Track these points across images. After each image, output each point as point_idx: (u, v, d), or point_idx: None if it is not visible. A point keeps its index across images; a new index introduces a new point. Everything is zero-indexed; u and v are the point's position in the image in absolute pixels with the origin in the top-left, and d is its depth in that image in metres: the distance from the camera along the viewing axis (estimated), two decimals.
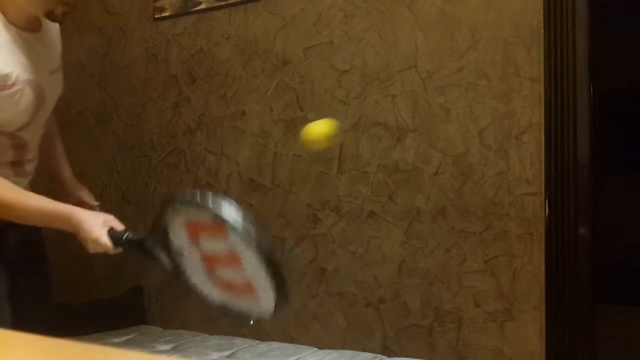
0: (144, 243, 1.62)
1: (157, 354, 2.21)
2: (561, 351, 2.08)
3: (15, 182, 1.81)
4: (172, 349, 2.46)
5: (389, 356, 2.28)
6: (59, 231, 1.71)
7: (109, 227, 1.68)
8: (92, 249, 1.70)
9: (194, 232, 1.47)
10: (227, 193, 2.75)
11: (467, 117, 2.22)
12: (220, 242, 1.42)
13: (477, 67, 2.20)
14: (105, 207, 3.17)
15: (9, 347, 0.92)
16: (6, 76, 1.65)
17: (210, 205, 1.41)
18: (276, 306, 1.42)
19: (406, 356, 2.29)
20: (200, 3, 2.80)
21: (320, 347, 2.41)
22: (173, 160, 2.91)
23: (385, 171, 2.38)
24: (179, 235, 1.49)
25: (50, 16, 1.73)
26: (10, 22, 1.66)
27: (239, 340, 2.53)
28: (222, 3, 2.74)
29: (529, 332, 2.13)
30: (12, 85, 1.67)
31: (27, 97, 1.71)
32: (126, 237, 1.65)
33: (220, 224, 1.39)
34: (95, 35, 3.14)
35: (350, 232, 2.45)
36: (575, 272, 2.07)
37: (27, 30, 1.73)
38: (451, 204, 2.25)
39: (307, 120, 2.52)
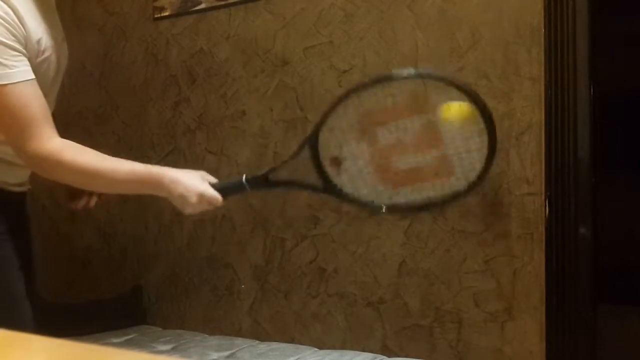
0: (267, 177, 1.55)
1: (157, 354, 2.20)
2: (561, 351, 2.08)
3: (20, 166, 1.79)
4: (172, 349, 2.46)
5: (389, 356, 2.28)
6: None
7: (207, 181, 1.61)
8: (194, 206, 1.60)
9: (370, 125, 1.37)
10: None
11: None
12: (411, 122, 1.33)
13: (477, 67, 2.20)
14: (105, 207, 3.18)
15: (9, 347, 0.92)
16: (39, 41, 1.62)
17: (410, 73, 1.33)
18: (482, 172, 1.35)
19: (406, 356, 2.29)
20: (200, 3, 2.79)
21: (320, 348, 2.41)
22: (173, 160, 2.91)
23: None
24: (340, 139, 1.41)
25: None
26: None
27: (239, 341, 2.53)
28: (222, 3, 2.74)
29: (529, 332, 2.13)
30: (44, 51, 1.65)
31: (51, 64, 1.69)
32: (246, 178, 1.56)
33: (418, 97, 1.31)
34: (95, 35, 3.14)
35: (350, 232, 2.45)
36: (575, 272, 2.07)
37: None
38: (451, 204, 2.25)
39: (307, 120, 2.54)
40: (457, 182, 1.37)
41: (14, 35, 1.55)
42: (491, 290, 2.19)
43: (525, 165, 2.13)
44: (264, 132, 2.65)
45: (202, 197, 1.59)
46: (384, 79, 1.37)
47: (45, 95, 1.75)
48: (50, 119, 1.65)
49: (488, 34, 2.18)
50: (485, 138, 1.34)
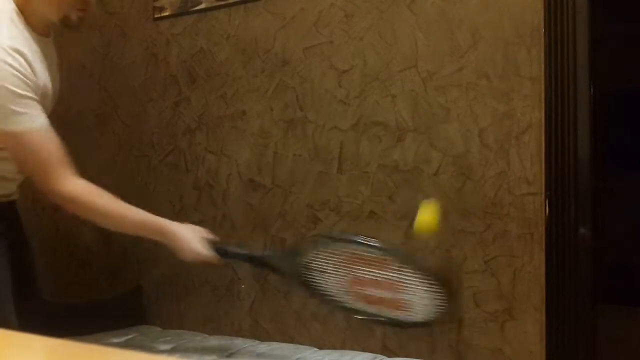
0: (267, 259, 1.83)
1: (157, 354, 2.21)
2: (561, 351, 2.08)
3: (16, 179, 1.84)
4: (172, 349, 2.46)
5: (389, 356, 2.28)
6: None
7: (204, 239, 1.85)
8: (186, 257, 1.85)
9: (354, 262, 1.64)
10: (226, 193, 2.75)
11: (467, 117, 2.22)
12: (380, 272, 1.61)
13: (477, 67, 2.20)
14: None
15: (9, 347, 0.92)
16: (45, 84, 1.74)
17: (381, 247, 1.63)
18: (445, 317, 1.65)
19: (406, 356, 2.29)
20: (200, 3, 2.80)
21: (321, 347, 2.41)
22: (173, 160, 2.91)
23: (385, 171, 2.38)
24: (329, 260, 1.68)
25: (66, 21, 1.77)
26: (33, 28, 1.72)
27: (238, 341, 2.53)
28: (222, 3, 2.74)
29: (529, 332, 2.13)
30: (44, 87, 1.75)
31: (47, 99, 1.79)
32: (245, 254, 1.83)
33: (388, 262, 1.61)
34: (94, 35, 3.14)
35: (350, 232, 2.45)
36: (575, 272, 2.07)
37: (44, 35, 1.78)
38: (451, 204, 2.25)
39: (307, 120, 2.54)
40: (410, 316, 1.65)
41: (27, 84, 1.65)
42: (491, 290, 2.19)
43: (525, 165, 2.13)
44: (264, 132, 2.65)
45: (198, 257, 1.84)
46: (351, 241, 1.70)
47: None
48: (64, 160, 1.78)
49: (488, 33, 2.18)
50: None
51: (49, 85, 1.78)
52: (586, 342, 2.08)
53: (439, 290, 1.56)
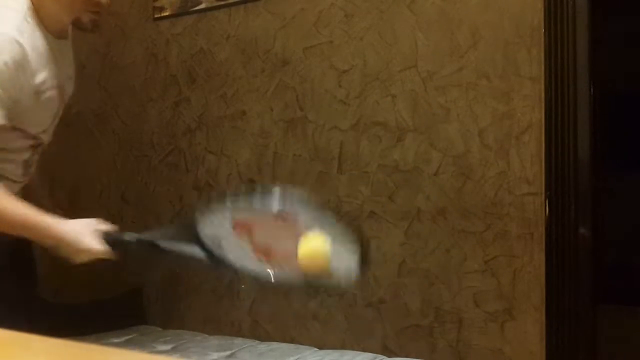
0: (156, 242, 1.58)
1: (157, 354, 2.20)
2: (561, 351, 2.08)
3: (20, 182, 1.85)
4: (172, 349, 2.46)
5: (389, 356, 2.28)
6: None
7: (98, 233, 1.60)
8: (78, 259, 1.61)
9: (245, 229, 1.46)
10: (226, 193, 2.75)
11: (468, 117, 2.22)
12: (284, 231, 1.43)
13: (477, 67, 2.20)
14: (104, 208, 3.19)
15: (9, 347, 0.92)
16: (43, 82, 1.70)
17: (272, 205, 1.42)
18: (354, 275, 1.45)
19: (406, 356, 2.29)
20: (200, 3, 2.79)
21: (321, 348, 2.41)
22: (173, 160, 2.91)
23: (385, 171, 2.38)
24: (219, 233, 1.48)
25: (78, 24, 1.78)
26: (47, 29, 1.72)
27: (238, 341, 2.53)
28: (222, 3, 2.74)
29: (529, 332, 2.13)
30: (45, 90, 1.73)
31: (54, 101, 1.78)
32: (130, 238, 1.59)
33: (286, 218, 1.41)
34: (95, 35, 3.14)
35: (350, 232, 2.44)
36: (575, 272, 2.07)
37: (59, 37, 1.80)
38: (451, 204, 2.25)
39: (307, 120, 2.54)
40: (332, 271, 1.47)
41: (10, 84, 1.58)
42: (491, 290, 2.19)
43: (525, 165, 2.13)
44: (264, 132, 2.65)
45: (85, 254, 1.59)
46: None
47: (47, 127, 1.83)
48: None
49: (488, 33, 2.18)
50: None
51: (54, 82, 1.77)
52: (586, 342, 2.08)
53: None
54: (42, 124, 1.79)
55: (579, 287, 2.07)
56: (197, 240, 1.50)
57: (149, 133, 2.98)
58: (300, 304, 2.56)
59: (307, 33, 2.54)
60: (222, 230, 1.48)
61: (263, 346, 2.45)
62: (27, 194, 2.03)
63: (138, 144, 3.01)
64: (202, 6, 2.79)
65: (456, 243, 2.24)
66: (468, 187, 2.22)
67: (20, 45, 1.64)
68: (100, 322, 2.71)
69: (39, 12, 1.70)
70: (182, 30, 2.87)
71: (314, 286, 1.40)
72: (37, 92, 1.70)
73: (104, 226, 1.62)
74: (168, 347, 2.48)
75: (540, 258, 2.10)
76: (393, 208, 2.36)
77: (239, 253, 1.48)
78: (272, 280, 1.46)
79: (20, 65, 1.63)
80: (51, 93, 1.76)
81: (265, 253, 1.46)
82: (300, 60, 2.56)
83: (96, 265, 1.66)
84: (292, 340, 2.55)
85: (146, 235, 1.59)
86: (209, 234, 1.49)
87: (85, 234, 1.60)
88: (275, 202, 1.42)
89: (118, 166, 3.07)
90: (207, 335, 2.64)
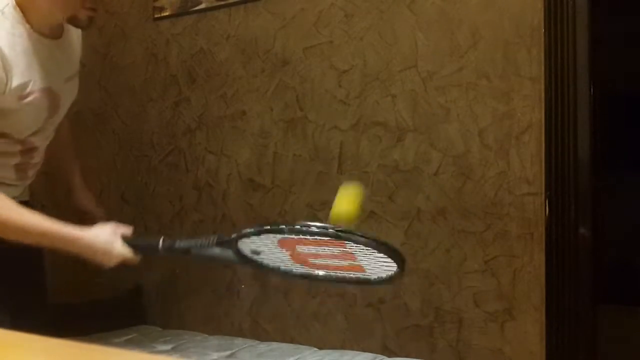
0: (190, 250, 1.60)
1: (157, 354, 2.20)
2: (561, 351, 2.08)
3: (14, 185, 1.80)
4: (172, 349, 2.46)
5: (389, 356, 2.28)
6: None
7: (120, 236, 1.64)
8: (110, 264, 1.64)
9: (288, 245, 1.48)
10: (227, 193, 2.75)
11: (468, 117, 2.22)
12: (327, 248, 1.46)
13: (477, 67, 2.20)
14: (104, 208, 3.17)
15: (9, 347, 0.92)
16: (23, 85, 1.61)
17: (321, 230, 1.42)
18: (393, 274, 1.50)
19: (406, 356, 2.28)
20: (200, 3, 2.79)
21: (321, 348, 2.41)
22: (173, 160, 2.91)
23: (385, 171, 2.38)
24: (261, 245, 1.50)
25: (74, 21, 1.69)
26: (34, 29, 1.63)
27: (238, 341, 2.53)
28: (222, 3, 2.74)
29: (529, 332, 2.12)
30: (29, 94, 1.64)
31: (41, 105, 1.69)
32: (162, 245, 1.61)
33: (331, 241, 1.43)
34: (95, 35, 3.14)
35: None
36: (575, 272, 2.07)
37: (50, 37, 1.69)
38: (451, 204, 2.25)
39: (307, 120, 2.54)
40: (368, 274, 1.53)
41: None
42: (491, 290, 2.19)
43: (525, 165, 2.13)
44: (264, 132, 2.65)
45: (115, 259, 1.63)
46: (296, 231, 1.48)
47: (37, 131, 1.74)
48: None
49: (488, 33, 2.18)
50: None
51: (39, 86, 1.66)
52: (586, 342, 2.08)
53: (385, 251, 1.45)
54: (28, 128, 1.70)
55: (579, 287, 2.07)
56: (234, 249, 1.52)
57: (149, 133, 2.98)
58: (300, 304, 2.56)
59: (307, 33, 2.54)
60: (264, 245, 1.51)
61: (263, 346, 2.45)
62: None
63: (138, 144, 3.01)
64: (202, 6, 2.79)
65: (456, 243, 2.24)
66: (468, 187, 2.22)
67: None
68: (100, 322, 2.70)
69: (25, 10, 1.61)
70: (182, 30, 2.87)
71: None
72: (19, 96, 1.61)
73: (123, 229, 1.67)
74: (168, 347, 2.48)
75: (540, 258, 2.10)
76: (393, 208, 2.36)
77: (276, 257, 1.51)
78: (310, 277, 1.52)
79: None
80: (36, 96, 1.67)
81: (303, 260, 1.50)
82: (300, 60, 2.56)
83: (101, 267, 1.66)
84: (292, 340, 2.54)
85: (177, 243, 1.60)
86: (250, 246, 1.51)
87: (112, 240, 1.63)
88: (326, 230, 1.44)
89: (118, 166, 3.07)
90: (207, 335, 2.64)
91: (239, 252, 1.53)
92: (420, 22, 2.30)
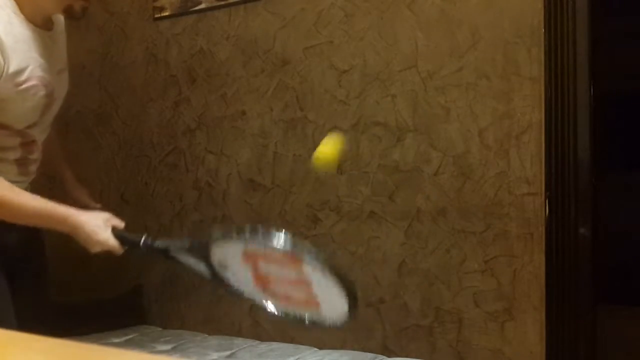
0: (168, 250, 1.64)
1: (157, 354, 2.20)
2: (561, 351, 2.08)
3: (17, 182, 1.81)
4: (172, 349, 2.46)
5: (389, 356, 2.28)
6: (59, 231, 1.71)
7: (111, 227, 1.70)
8: (94, 249, 1.71)
9: (251, 259, 1.50)
10: (226, 193, 2.75)
11: (467, 117, 2.22)
12: (287, 270, 1.46)
13: (478, 67, 2.20)
14: (104, 208, 3.17)
15: (9, 347, 0.92)
16: (21, 72, 1.64)
17: (283, 244, 1.44)
18: (346, 316, 1.48)
19: (406, 356, 2.29)
20: (200, 3, 2.79)
21: (321, 348, 2.41)
22: (173, 160, 2.91)
23: (385, 171, 2.38)
24: (228, 256, 1.52)
25: (69, 12, 1.73)
26: (28, 19, 1.67)
27: (238, 341, 2.53)
28: (222, 3, 2.74)
29: (529, 332, 2.13)
30: (25, 81, 1.67)
31: (38, 94, 1.71)
32: (144, 241, 1.67)
33: (292, 258, 1.44)
34: (95, 35, 3.14)
35: (351, 232, 2.45)
36: (575, 272, 2.07)
37: (42, 27, 1.74)
38: (451, 204, 2.25)
39: (307, 120, 2.54)
40: (323, 312, 1.52)
41: None
42: (491, 290, 2.19)
43: (525, 166, 2.13)
44: (264, 132, 2.65)
45: (101, 244, 1.69)
46: (262, 243, 1.50)
47: (35, 124, 1.76)
48: None
49: (488, 33, 2.18)
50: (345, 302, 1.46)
51: (35, 74, 1.69)
52: (586, 342, 2.08)
53: (345, 290, 1.42)
54: (27, 118, 1.73)
55: (579, 287, 2.07)
56: (206, 258, 1.55)
57: (149, 133, 2.98)
58: None
59: (307, 33, 2.54)
60: (230, 256, 1.53)
61: (263, 346, 2.45)
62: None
63: (138, 144, 3.01)
64: (202, 6, 2.79)
65: (456, 243, 2.24)
66: (468, 187, 2.22)
67: None
68: (100, 322, 2.70)
69: (20, 3, 1.65)
70: (182, 30, 2.87)
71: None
72: (16, 82, 1.63)
73: (116, 221, 1.73)
74: (168, 347, 2.48)
75: (540, 258, 2.10)
76: (393, 208, 2.36)
77: (241, 277, 1.53)
78: (267, 310, 1.53)
79: None
80: (33, 84, 1.69)
81: (264, 282, 1.50)
82: (300, 60, 2.56)
83: (101, 259, 1.69)
84: (292, 340, 2.54)
85: (157, 242, 1.66)
86: (218, 256, 1.53)
87: (101, 227, 1.69)
88: (287, 243, 1.45)
89: (118, 166, 3.07)
90: (207, 335, 2.64)
91: (209, 264, 1.54)
92: (421, 22, 2.30)
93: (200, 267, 1.57)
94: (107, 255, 1.73)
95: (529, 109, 2.12)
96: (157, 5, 2.93)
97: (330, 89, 2.49)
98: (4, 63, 1.60)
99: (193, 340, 2.57)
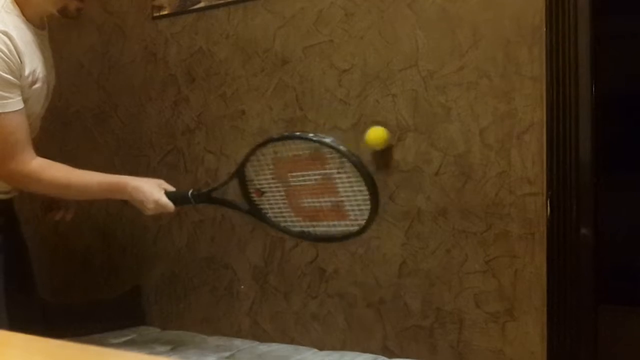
0: (210, 194, 1.94)
1: (156, 355, 2.20)
2: (563, 352, 2.07)
3: None
4: (171, 350, 2.45)
5: (390, 357, 2.27)
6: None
7: (163, 189, 1.90)
8: (151, 210, 1.89)
9: (283, 170, 1.74)
10: (226, 193, 2.74)
11: (468, 116, 2.21)
12: (314, 174, 1.70)
13: (478, 66, 2.19)
14: (104, 207, 3.17)
15: (8, 347, 0.91)
16: (32, 73, 1.75)
17: (314, 137, 1.71)
18: (368, 220, 1.75)
19: (407, 357, 2.28)
20: (199, 1, 2.79)
21: (321, 348, 2.41)
22: (172, 160, 2.90)
23: (385, 171, 2.37)
24: (261, 176, 1.80)
25: (64, 12, 1.81)
26: (29, 21, 1.75)
27: (238, 342, 2.52)
28: (221, 1, 2.73)
29: (531, 332, 2.12)
30: (36, 81, 1.78)
31: (42, 92, 1.83)
32: (191, 193, 1.94)
33: (319, 155, 1.67)
34: (93, 34, 3.13)
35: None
36: (577, 272, 2.06)
37: (40, 27, 1.81)
38: (452, 204, 2.24)
39: (307, 120, 2.53)
40: (351, 223, 1.78)
41: (10, 68, 1.69)
42: (492, 290, 2.18)
43: (527, 165, 2.12)
44: (264, 132, 2.64)
45: (157, 203, 1.88)
46: (292, 137, 1.78)
47: (35, 118, 1.85)
48: (30, 141, 1.83)
49: (489, 32, 2.17)
50: (367, 194, 1.74)
51: (41, 74, 1.80)
52: (587, 343, 2.07)
53: (371, 192, 1.68)
54: (31, 115, 1.82)
55: (581, 288, 2.06)
56: (244, 188, 1.86)
57: (148, 133, 2.97)
58: (300, 304, 2.55)
59: (307, 32, 2.53)
60: (263, 175, 1.80)
61: (263, 347, 2.44)
62: None
63: (137, 144, 3.00)
64: (201, 5, 2.78)
65: (457, 243, 2.24)
66: (469, 187, 2.22)
67: (9, 36, 1.66)
68: (98, 322, 2.70)
69: (20, 3, 1.74)
70: (181, 29, 2.86)
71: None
72: (29, 82, 1.75)
73: (167, 186, 1.96)
74: (167, 348, 2.47)
75: (541, 258, 2.10)
76: (393, 208, 2.35)
77: (276, 199, 1.80)
78: (300, 236, 1.83)
79: (14, 55, 1.67)
80: (41, 84, 1.79)
81: (296, 197, 1.73)
82: (300, 59, 2.55)
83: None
84: (292, 341, 2.54)
85: (202, 191, 2.00)
86: (254, 180, 1.82)
87: (156, 188, 1.89)
88: (313, 139, 1.68)
89: (117, 166, 3.06)
90: (206, 336, 2.63)
91: (247, 194, 1.83)
92: (421, 21, 2.30)
93: (242, 206, 1.86)
94: (160, 216, 2.00)
95: (530, 108, 2.11)
96: (156, 4, 2.92)
97: (330, 88, 2.48)
98: (23, 66, 1.71)
99: (192, 341, 2.56)
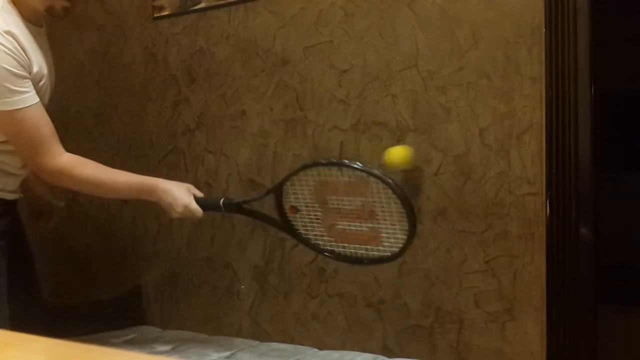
0: (241, 205, 1.94)
1: (156, 355, 2.20)
2: (562, 352, 2.07)
3: (15, 175, 1.86)
4: (172, 349, 2.45)
5: (390, 357, 2.27)
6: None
7: (193, 195, 1.90)
8: (178, 214, 1.89)
9: (322, 192, 1.76)
10: (226, 193, 2.74)
11: (468, 116, 2.21)
12: (354, 199, 1.73)
13: (478, 67, 2.19)
14: (104, 207, 3.18)
15: (8, 347, 0.91)
16: (39, 70, 1.77)
17: (362, 167, 1.76)
18: (402, 249, 1.77)
19: (407, 357, 2.28)
20: (200, 2, 2.79)
21: (321, 348, 2.41)
22: (172, 160, 2.90)
23: (385, 171, 2.37)
24: (299, 195, 1.81)
25: (51, 11, 1.82)
26: (25, 19, 1.76)
27: (238, 341, 2.52)
28: (222, 2, 2.73)
29: (530, 332, 2.12)
30: (42, 78, 1.80)
31: (47, 90, 1.85)
32: (223, 201, 1.93)
33: (363, 183, 1.71)
34: (94, 34, 3.14)
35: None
36: (576, 272, 2.06)
37: (37, 25, 1.82)
38: (452, 204, 2.25)
39: (307, 120, 2.53)
40: (383, 249, 1.80)
41: (21, 65, 1.70)
42: (492, 290, 2.18)
43: (526, 165, 2.12)
44: (264, 132, 2.64)
45: (186, 208, 1.87)
46: (339, 164, 1.82)
47: None
48: (56, 135, 1.83)
49: (489, 33, 2.18)
50: (406, 224, 1.77)
51: (45, 71, 1.81)
52: (587, 342, 2.07)
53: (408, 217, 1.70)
54: None
55: (580, 288, 2.06)
56: (278, 203, 1.86)
57: (149, 133, 2.97)
58: (300, 304, 2.56)
59: (307, 32, 2.54)
60: (302, 194, 1.81)
61: (263, 347, 2.44)
62: (26, 186, 2.05)
63: (137, 144, 3.00)
64: (202, 5, 2.78)
65: (457, 243, 2.24)
66: (468, 187, 2.22)
67: (13, 35, 1.68)
68: (99, 322, 2.70)
69: (16, 3, 1.75)
70: (181, 30, 2.86)
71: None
72: (36, 80, 1.77)
73: (196, 191, 1.95)
74: (167, 347, 2.48)
75: (541, 258, 2.10)
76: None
77: (311, 218, 1.82)
78: (330, 256, 1.86)
79: (21, 53, 1.69)
80: (45, 81, 1.81)
81: (333, 219, 1.76)
82: (300, 59, 2.55)
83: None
84: (292, 341, 2.54)
85: (234, 200, 1.97)
86: (291, 197, 1.83)
87: (185, 193, 1.89)
88: (358, 168, 1.73)
89: (117, 166, 3.06)
90: (206, 336, 2.63)
91: (281, 209, 1.83)
92: (421, 21, 2.30)
93: (274, 219, 1.86)
94: (187, 219, 1.99)
95: (530, 108, 2.11)
96: (157, 4, 2.92)
97: (330, 88, 2.49)
98: (30, 63, 1.73)
99: (193, 340, 2.56)
